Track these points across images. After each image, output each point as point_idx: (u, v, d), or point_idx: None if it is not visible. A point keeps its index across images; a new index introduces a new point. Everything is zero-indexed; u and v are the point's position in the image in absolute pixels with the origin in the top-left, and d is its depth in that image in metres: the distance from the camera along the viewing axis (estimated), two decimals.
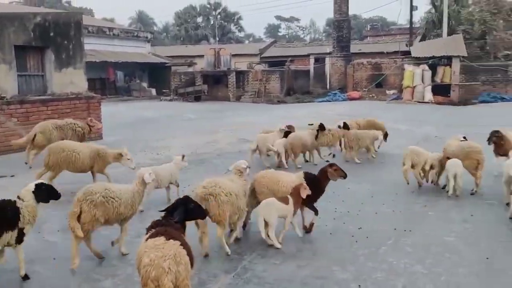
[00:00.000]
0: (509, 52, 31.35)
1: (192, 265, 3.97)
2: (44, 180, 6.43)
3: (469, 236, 6.61)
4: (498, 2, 33.20)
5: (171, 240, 3.83)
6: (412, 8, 36.04)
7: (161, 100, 34.49)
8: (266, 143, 11.01)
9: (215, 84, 34.88)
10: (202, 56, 37.27)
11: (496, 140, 9.33)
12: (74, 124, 11.39)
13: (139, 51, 40.66)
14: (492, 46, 31.92)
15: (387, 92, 30.97)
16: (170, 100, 33.98)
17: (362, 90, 32.01)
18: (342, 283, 5.22)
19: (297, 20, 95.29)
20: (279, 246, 6.13)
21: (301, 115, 21.21)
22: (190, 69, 38.73)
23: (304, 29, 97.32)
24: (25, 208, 5.21)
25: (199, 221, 5.58)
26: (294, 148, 11.01)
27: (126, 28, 47.42)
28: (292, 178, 6.76)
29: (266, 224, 6.15)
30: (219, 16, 76.62)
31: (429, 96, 28.25)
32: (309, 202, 6.58)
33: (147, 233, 4.11)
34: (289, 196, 6.29)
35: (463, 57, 28.63)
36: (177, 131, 17.56)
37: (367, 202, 8.32)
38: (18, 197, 5.30)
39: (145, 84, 39.44)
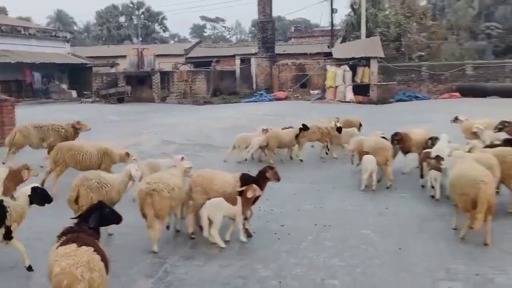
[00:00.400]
0: (422, 53, 33.34)
1: (107, 271, 3.86)
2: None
3: (384, 228, 6.94)
4: (412, 6, 35.20)
5: (83, 247, 3.71)
6: (333, 10, 37.22)
7: (82, 102, 33.11)
8: (245, 141, 11.80)
9: (138, 85, 33.96)
10: (125, 56, 36.07)
11: (397, 143, 9.88)
12: (59, 126, 11.82)
13: (58, 52, 38.93)
14: (406, 47, 33.76)
15: (311, 92, 31.77)
16: (92, 102, 32.71)
17: (287, 90, 32.56)
18: (264, 281, 5.29)
19: (223, 20, 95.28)
20: (223, 245, 6.17)
21: (227, 116, 21.26)
22: (113, 70, 37.53)
23: (229, 29, 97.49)
24: (13, 207, 5.38)
25: (148, 215, 5.96)
26: (270, 143, 11.53)
27: (43, 28, 45.20)
28: (228, 178, 6.80)
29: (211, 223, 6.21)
30: (142, 16, 74.94)
31: (350, 95, 29.32)
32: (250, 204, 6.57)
33: (58, 241, 3.94)
34: (238, 197, 6.33)
35: (380, 58, 30.07)
36: (99, 134, 16.88)
37: (290, 200, 8.50)
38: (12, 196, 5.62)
39: (64, 86, 37.74)
